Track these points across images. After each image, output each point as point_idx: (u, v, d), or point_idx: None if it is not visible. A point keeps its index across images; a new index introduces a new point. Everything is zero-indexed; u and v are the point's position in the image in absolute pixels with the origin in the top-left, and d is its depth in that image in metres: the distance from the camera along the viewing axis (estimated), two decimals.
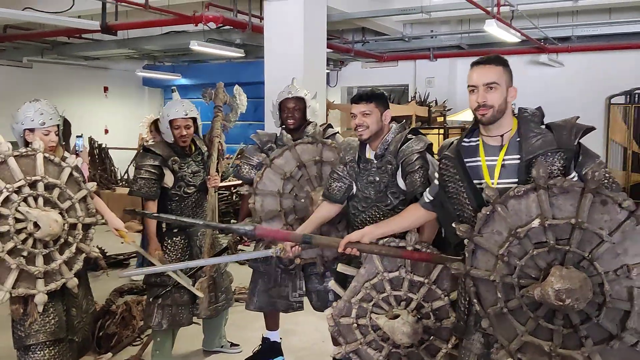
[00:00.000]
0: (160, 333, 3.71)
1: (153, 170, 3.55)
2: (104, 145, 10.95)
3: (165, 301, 3.62)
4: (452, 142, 2.36)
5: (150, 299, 3.70)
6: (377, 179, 2.83)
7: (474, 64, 2.24)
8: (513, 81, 2.26)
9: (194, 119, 3.65)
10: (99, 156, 10.54)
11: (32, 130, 2.99)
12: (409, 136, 2.84)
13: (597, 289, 1.93)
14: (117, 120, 13.25)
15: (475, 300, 2.11)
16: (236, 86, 4.12)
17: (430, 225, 2.61)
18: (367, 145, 2.89)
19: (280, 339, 3.99)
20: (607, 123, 10.10)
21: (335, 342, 3.34)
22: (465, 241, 2.13)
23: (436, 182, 2.40)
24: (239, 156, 9.03)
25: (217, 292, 3.77)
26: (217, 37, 8.32)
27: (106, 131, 12.87)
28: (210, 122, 3.88)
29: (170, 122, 3.57)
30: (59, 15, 6.76)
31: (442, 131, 8.41)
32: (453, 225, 2.17)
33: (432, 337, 2.59)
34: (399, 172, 2.79)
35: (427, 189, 2.51)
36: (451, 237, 2.37)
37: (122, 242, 3.51)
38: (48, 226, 2.71)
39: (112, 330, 4.17)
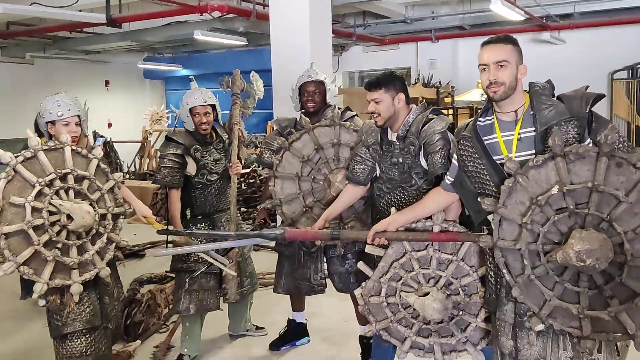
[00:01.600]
0: (189, 318, 3.79)
1: (176, 159, 3.61)
2: (108, 139, 11.01)
3: (192, 286, 3.69)
4: (468, 124, 2.43)
5: (178, 285, 3.78)
6: (401, 160, 2.87)
7: (484, 44, 2.31)
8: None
9: (213, 107, 3.70)
10: (104, 150, 10.61)
11: (53, 122, 3.03)
12: (430, 116, 2.87)
13: (617, 249, 2.01)
14: (119, 113, 13.29)
15: (504, 271, 2.18)
16: (252, 72, 4.15)
17: (455, 206, 2.64)
18: (388, 128, 2.93)
19: (306, 320, 4.08)
20: (610, 98, 10.14)
21: (363, 322, 3.43)
22: (490, 216, 2.21)
23: (455, 162, 2.46)
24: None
25: (241, 277, 3.84)
26: (220, 26, 8.35)
27: (109, 125, 12.92)
28: (228, 111, 3.92)
29: (190, 110, 3.62)
30: (64, 9, 6.80)
31: (451, 112, 8.43)
32: (478, 200, 2.24)
33: (461, 312, 2.65)
34: (422, 153, 2.83)
35: (448, 173, 2.55)
36: (474, 216, 2.44)
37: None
38: (81, 218, 2.75)
39: (138, 319, 4.25)
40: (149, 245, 6.92)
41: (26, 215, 2.66)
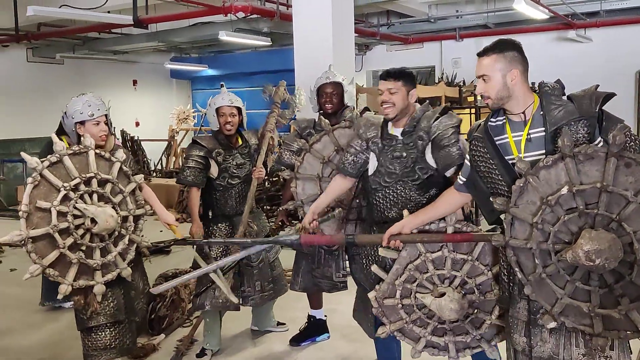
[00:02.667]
0: (208, 314, 3.89)
1: (199, 160, 3.72)
2: (135, 138, 11.23)
3: (210, 284, 3.75)
4: (480, 124, 2.46)
5: (198, 281, 3.88)
6: (404, 154, 2.88)
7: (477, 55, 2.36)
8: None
9: (239, 109, 3.79)
10: (132, 148, 10.82)
11: (82, 123, 3.10)
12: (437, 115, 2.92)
13: (627, 249, 2.03)
14: (147, 112, 13.52)
15: (516, 269, 2.22)
16: (298, 86, 4.24)
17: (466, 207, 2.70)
18: (389, 123, 2.96)
19: (325, 316, 4.16)
20: (637, 96, 10.01)
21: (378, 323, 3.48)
22: (502, 215, 2.25)
23: (467, 163, 2.49)
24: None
25: (263, 282, 3.90)
26: (244, 27, 8.47)
27: (137, 124, 13.15)
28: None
29: (217, 110, 3.73)
30: (93, 11, 6.98)
31: (473, 111, 8.41)
32: (490, 199, 2.28)
33: (476, 310, 2.68)
34: (429, 148, 2.86)
35: (460, 173, 2.57)
36: (487, 216, 2.47)
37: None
38: (105, 221, 2.84)
39: (163, 313, 4.36)
40: (173, 242, 7.07)
41: (52, 220, 2.74)
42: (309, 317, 4.14)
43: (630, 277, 2.05)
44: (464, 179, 2.53)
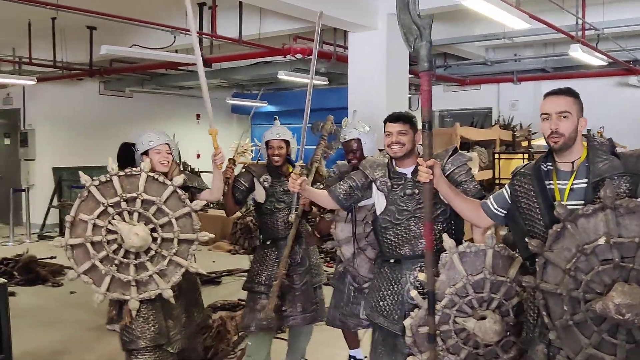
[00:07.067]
0: (253, 338, 3.98)
1: (244, 182, 3.96)
2: (196, 169, 11.62)
3: (255, 305, 3.91)
4: (528, 163, 2.54)
5: (245, 304, 4.03)
6: (417, 191, 2.97)
7: (547, 94, 2.42)
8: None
9: (287, 142, 3.99)
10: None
11: (146, 153, 3.41)
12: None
13: None
14: (208, 145, 13.89)
15: (544, 313, 2.25)
16: (345, 118, 4.43)
17: (480, 233, 2.78)
18: (394, 162, 3.08)
19: (365, 357, 4.15)
20: None
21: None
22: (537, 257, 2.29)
23: (505, 193, 2.56)
24: None
25: (304, 303, 3.97)
26: (302, 67, 8.75)
27: (198, 156, 13.62)
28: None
29: (266, 142, 3.97)
30: (161, 50, 7.41)
31: (526, 156, 8.32)
32: (525, 240, 2.33)
33: (507, 332, 2.66)
34: None
35: (492, 197, 2.64)
36: (521, 251, 2.53)
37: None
38: (128, 238, 2.98)
39: (208, 343, 4.50)
40: (225, 273, 7.25)
41: (87, 231, 3.00)
42: (350, 357, 4.18)
43: None
44: (496, 206, 2.60)
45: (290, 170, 4.03)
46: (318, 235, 4.06)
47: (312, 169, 4.06)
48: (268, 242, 4.03)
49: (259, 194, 3.97)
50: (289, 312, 3.94)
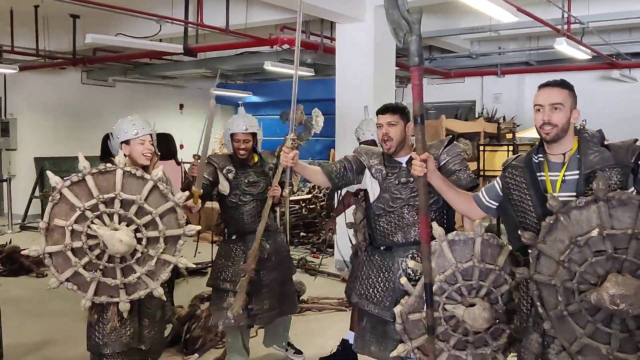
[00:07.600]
0: (230, 334, 3.96)
1: (206, 176, 3.79)
2: (180, 160, 11.53)
3: (222, 303, 3.84)
4: (519, 155, 2.55)
5: (212, 302, 3.99)
6: (411, 179, 2.99)
7: (541, 86, 2.43)
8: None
9: (254, 134, 3.87)
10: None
11: (127, 142, 3.16)
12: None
13: None
14: (191, 135, 13.84)
15: (538, 303, 2.27)
16: (315, 109, 4.34)
17: (470, 222, 2.80)
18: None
19: None
20: None
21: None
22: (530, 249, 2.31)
23: (496, 185, 2.57)
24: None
25: (270, 300, 3.90)
26: (288, 57, 8.71)
27: (181, 146, 13.50)
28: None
29: (232, 135, 3.84)
30: (147, 39, 7.33)
31: (511, 148, 8.41)
32: (518, 232, 2.35)
33: (497, 320, 2.69)
34: None
35: (484, 189, 2.66)
36: (513, 243, 2.55)
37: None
38: (112, 246, 2.73)
39: (197, 333, 4.49)
40: (211, 264, 7.22)
41: (66, 238, 2.74)
42: (343, 341, 4.16)
43: None
44: (488, 199, 2.62)
45: (256, 159, 3.94)
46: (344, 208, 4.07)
47: (280, 167, 3.75)
48: (234, 237, 3.92)
49: (223, 186, 3.84)
50: (255, 310, 3.84)
